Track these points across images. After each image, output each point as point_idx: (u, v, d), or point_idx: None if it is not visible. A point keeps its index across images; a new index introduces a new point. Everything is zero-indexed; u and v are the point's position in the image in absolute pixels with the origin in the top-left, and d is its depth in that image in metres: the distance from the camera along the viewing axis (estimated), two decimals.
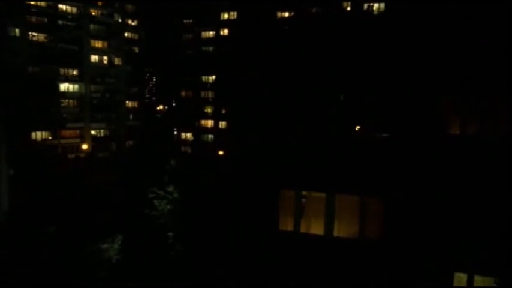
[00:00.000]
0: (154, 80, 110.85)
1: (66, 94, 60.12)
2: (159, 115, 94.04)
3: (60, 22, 58.84)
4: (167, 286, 17.63)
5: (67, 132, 60.07)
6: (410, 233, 11.58)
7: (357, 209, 11.58)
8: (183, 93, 70.19)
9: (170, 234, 20.55)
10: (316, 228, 12.21)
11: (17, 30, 54.67)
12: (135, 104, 70.72)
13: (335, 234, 11.89)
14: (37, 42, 56.56)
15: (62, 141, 59.04)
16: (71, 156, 58.69)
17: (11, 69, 52.91)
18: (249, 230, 13.19)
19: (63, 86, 59.91)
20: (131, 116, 69.45)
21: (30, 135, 55.30)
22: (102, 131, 64.78)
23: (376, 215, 11.62)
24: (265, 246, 12.93)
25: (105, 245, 23.87)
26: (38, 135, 56.96)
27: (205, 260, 14.49)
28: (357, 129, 12.76)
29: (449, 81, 11.29)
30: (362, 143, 12.05)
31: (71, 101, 60.79)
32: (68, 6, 59.94)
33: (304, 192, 12.47)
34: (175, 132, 77.01)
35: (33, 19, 56.49)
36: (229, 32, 61.35)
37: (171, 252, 19.60)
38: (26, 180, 43.24)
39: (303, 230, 12.42)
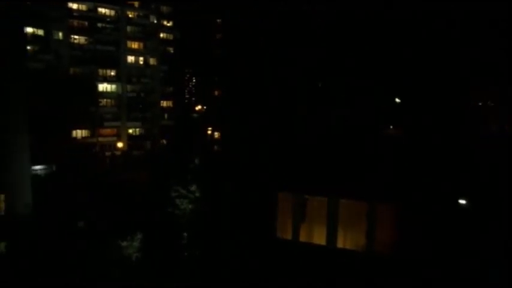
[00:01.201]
0: (194, 80, 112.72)
1: (104, 94, 62.42)
2: (196, 115, 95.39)
3: (99, 25, 61.18)
4: (177, 287, 17.26)
5: (105, 131, 62.34)
6: (431, 247, 9.89)
7: (364, 217, 10.13)
8: (216, 93, 70.50)
9: (185, 234, 20.20)
10: (317, 237, 10.94)
11: (60, 34, 57.53)
12: (170, 103, 72.04)
13: (339, 245, 10.52)
14: (78, 45, 59.18)
15: (100, 139, 61.35)
16: (108, 154, 60.86)
17: (55, 71, 55.84)
18: (245, 236, 12.24)
19: (102, 86, 62.23)
20: (166, 116, 70.84)
21: (71, 134, 57.94)
22: (137, 130, 66.62)
23: (388, 225, 10.10)
24: (261, 253, 11.87)
25: (125, 243, 24.12)
26: (78, 133, 59.55)
27: (212, 261, 13.78)
28: (366, 125, 11.24)
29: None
30: (373, 140, 10.58)
31: (108, 100, 63.05)
32: (106, 10, 62.20)
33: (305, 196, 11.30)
34: (209, 132, 77.63)
35: (75, 23, 59.16)
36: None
37: (185, 253, 19.25)
38: (67, 176, 45.07)
39: (302, 238, 11.20)
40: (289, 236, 11.60)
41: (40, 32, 55.88)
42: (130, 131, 65.58)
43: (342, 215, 10.36)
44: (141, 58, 66.27)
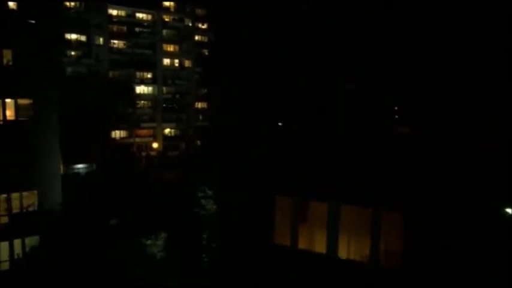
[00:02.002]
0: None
1: (141, 96, 64.42)
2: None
3: (137, 29, 63.33)
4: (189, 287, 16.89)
5: (141, 132, 64.30)
6: (441, 262, 8.52)
7: (368, 226, 8.99)
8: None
9: (204, 236, 19.88)
10: (318, 245, 9.93)
11: (101, 39, 60.22)
12: (205, 105, 72.98)
13: (341, 255, 9.45)
14: (117, 49, 61.59)
15: (137, 139, 63.37)
16: (144, 154, 62.66)
17: (96, 74, 58.53)
18: (243, 240, 11.48)
19: (139, 89, 64.29)
20: (200, 117, 71.82)
21: (110, 134, 60.32)
22: (172, 131, 68.08)
23: (395, 235, 8.89)
24: (258, 260, 11.04)
25: (149, 241, 24.29)
26: (117, 134, 61.91)
27: (217, 265, 13.25)
28: (372, 123, 9.97)
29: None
30: (379, 140, 9.30)
31: (145, 102, 65.01)
32: (144, 14, 64.24)
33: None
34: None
35: (115, 28, 61.66)
36: None
37: (203, 254, 18.93)
38: (104, 175, 46.63)
39: (301, 245, 10.20)
40: (287, 242, 10.68)
41: (83, 38, 58.82)
42: (165, 131, 67.15)
43: (344, 221, 9.29)
44: (177, 60, 67.74)
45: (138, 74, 63.75)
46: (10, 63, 22.53)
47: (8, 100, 22.42)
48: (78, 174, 50.79)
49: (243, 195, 11.06)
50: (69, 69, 57.05)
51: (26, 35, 23.48)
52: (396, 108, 8.46)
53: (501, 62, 8.09)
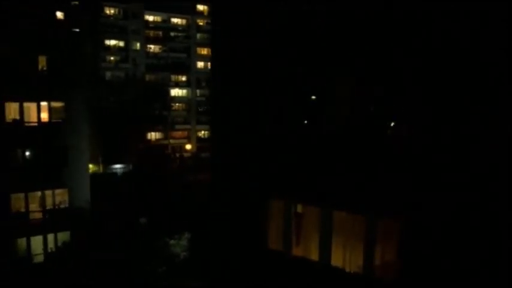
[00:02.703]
0: None
1: (175, 98, 66.24)
2: None
3: (172, 34, 65.28)
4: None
5: (176, 134, 66.05)
6: (442, 275, 7.71)
7: (361, 233, 8.36)
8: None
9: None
10: (311, 252, 9.41)
11: (138, 44, 62.74)
12: None
13: (334, 263, 8.87)
14: (153, 53, 63.86)
15: (171, 141, 65.17)
16: (178, 155, 64.30)
17: (133, 78, 61.04)
18: (238, 244, 11.19)
19: (174, 91, 66.15)
20: None
21: (146, 136, 62.56)
22: (206, 132, 69.28)
23: (391, 245, 8.19)
24: (253, 265, 10.72)
25: (172, 241, 24.75)
26: (152, 135, 64.09)
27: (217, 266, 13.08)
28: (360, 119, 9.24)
29: None
30: (370, 139, 8.59)
31: (179, 104, 66.74)
32: (178, 19, 66.07)
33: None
34: None
35: (151, 33, 63.99)
36: None
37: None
38: (139, 175, 48.16)
39: (295, 251, 9.72)
40: (280, 248, 10.29)
41: (121, 44, 61.62)
42: (199, 133, 68.50)
43: (336, 229, 8.75)
44: (210, 63, 68.89)
45: (173, 77, 65.63)
46: (45, 68, 23.99)
47: (42, 103, 23.87)
48: (115, 174, 53.16)
49: (239, 197, 10.89)
50: (108, 74, 60.01)
51: (61, 43, 24.85)
52: (395, 108, 7.83)
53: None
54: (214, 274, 12.25)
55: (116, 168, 56.82)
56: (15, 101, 23.19)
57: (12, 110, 23.42)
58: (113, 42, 60.99)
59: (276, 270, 10.26)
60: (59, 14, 39.91)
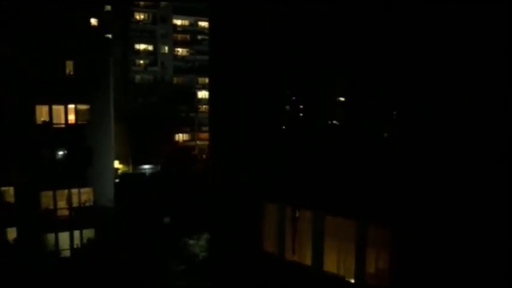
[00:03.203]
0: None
1: (202, 100, 67.32)
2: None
3: (199, 37, 66.49)
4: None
5: (203, 135, 67.08)
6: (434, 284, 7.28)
7: (353, 239, 8.04)
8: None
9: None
10: (302, 256, 9.19)
11: (166, 48, 64.43)
12: None
13: (326, 268, 8.58)
14: (180, 56, 65.34)
15: (198, 142, 66.29)
16: (205, 156, 65.30)
17: (161, 81, 62.78)
18: (235, 246, 11.17)
19: (201, 94, 67.29)
20: None
21: (174, 137, 64.08)
22: None
23: (383, 253, 7.82)
24: (248, 266, 10.68)
25: (191, 241, 25.18)
26: (180, 137, 65.52)
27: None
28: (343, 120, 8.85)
29: None
30: (361, 143, 8.20)
31: (206, 106, 67.79)
32: (205, 23, 67.13)
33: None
34: None
35: (179, 37, 65.53)
36: None
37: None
38: (167, 176, 49.34)
39: (288, 254, 9.55)
40: (275, 251, 10.20)
41: (150, 48, 63.53)
42: None
43: (328, 233, 8.52)
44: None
45: (200, 80, 66.76)
46: (72, 72, 25.21)
47: (70, 106, 25.11)
48: (143, 174, 54.81)
49: (237, 199, 10.94)
50: (138, 77, 62.05)
51: (88, 48, 26.00)
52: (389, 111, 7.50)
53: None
54: (217, 274, 12.37)
55: (145, 169, 58.57)
56: (45, 103, 24.56)
57: (42, 112, 24.83)
58: (142, 46, 62.99)
59: (271, 273, 10.23)
60: (93, 21, 41.71)
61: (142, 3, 61.73)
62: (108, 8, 66.46)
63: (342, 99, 8.76)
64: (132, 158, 59.21)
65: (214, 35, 12.72)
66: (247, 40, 10.72)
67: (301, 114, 9.49)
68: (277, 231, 10.05)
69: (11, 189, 24.24)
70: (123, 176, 49.47)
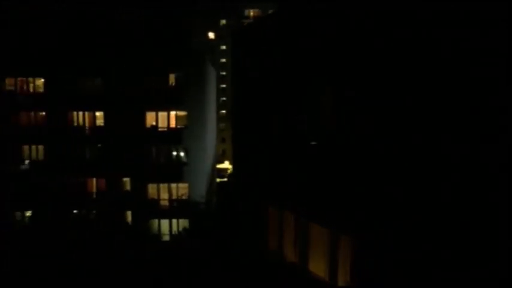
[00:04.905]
0: None
1: None
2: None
3: None
4: None
5: None
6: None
7: (327, 245, 9.27)
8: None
9: None
10: (293, 255, 10.54)
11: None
12: None
13: (311, 269, 9.87)
14: None
15: None
16: None
17: None
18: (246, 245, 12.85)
19: None
20: None
21: None
22: None
23: (347, 259, 8.89)
24: (256, 262, 12.25)
25: None
26: None
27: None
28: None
29: None
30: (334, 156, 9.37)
31: None
32: None
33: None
34: None
35: None
36: None
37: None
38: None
39: (286, 254, 10.97)
40: (276, 248, 11.94)
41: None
42: None
43: (312, 238, 10.04)
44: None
45: None
46: (173, 84, 29.51)
47: (171, 113, 29.44)
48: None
49: (249, 202, 12.88)
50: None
51: (187, 63, 30.02)
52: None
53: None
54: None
55: None
56: (152, 110, 29.26)
57: (150, 118, 29.60)
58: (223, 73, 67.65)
59: (274, 270, 11.92)
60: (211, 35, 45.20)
61: (252, 13, 66.64)
62: (224, 22, 72.08)
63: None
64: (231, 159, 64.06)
65: (233, 70, 15.11)
66: (253, 74, 12.82)
67: (286, 137, 11.37)
68: (277, 233, 11.83)
69: (128, 180, 29.52)
70: (230, 175, 53.47)
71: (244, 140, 13.88)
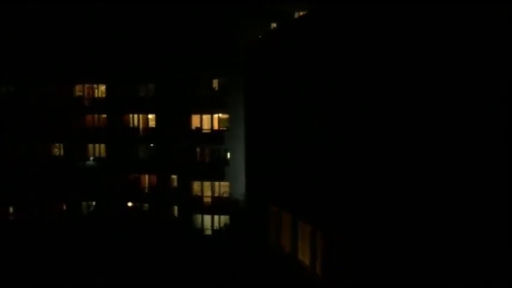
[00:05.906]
0: None
1: None
2: None
3: None
4: None
5: None
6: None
7: (309, 239, 10.60)
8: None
9: None
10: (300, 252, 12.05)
11: None
12: None
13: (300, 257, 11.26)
14: None
15: None
16: None
17: None
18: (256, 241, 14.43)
19: None
20: None
21: None
22: None
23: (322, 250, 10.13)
24: (260, 254, 13.86)
25: None
26: None
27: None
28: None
29: None
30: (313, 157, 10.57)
31: None
32: None
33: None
34: None
35: None
36: None
37: None
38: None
39: (285, 248, 12.53)
40: (274, 239, 13.88)
41: None
42: None
43: (300, 233, 11.72)
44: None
45: None
46: (216, 89, 31.31)
47: (214, 115, 31.32)
48: None
49: (255, 200, 14.49)
50: None
51: (229, 70, 31.51)
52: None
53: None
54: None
55: None
56: (197, 113, 31.42)
57: (195, 120, 31.80)
58: None
59: (274, 262, 13.47)
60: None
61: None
62: (274, 25, 73.09)
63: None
64: None
65: (246, 85, 16.75)
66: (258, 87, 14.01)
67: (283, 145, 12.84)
68: (275, 229, 13.33)
69: (175, 177, 32.23)
70: None
71: (253, 150, 15.71)
